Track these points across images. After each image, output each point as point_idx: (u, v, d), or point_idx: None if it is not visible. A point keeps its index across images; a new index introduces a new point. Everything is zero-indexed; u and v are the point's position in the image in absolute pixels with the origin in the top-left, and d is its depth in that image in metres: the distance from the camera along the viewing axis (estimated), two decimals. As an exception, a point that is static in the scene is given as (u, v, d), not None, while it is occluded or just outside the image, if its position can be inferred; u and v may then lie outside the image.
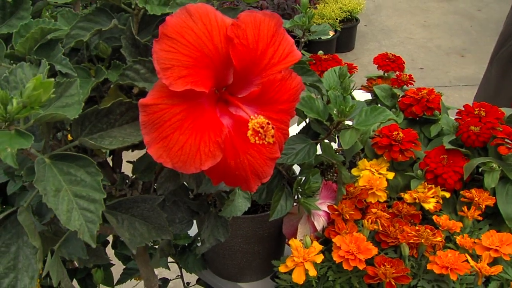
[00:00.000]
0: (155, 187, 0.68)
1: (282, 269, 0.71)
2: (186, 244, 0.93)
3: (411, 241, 0.71)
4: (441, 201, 0.80)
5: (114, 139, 0.47)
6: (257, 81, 0.45)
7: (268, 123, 0.39)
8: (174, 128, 0.41)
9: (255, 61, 0.44)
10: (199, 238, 0.90)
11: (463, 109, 0.88)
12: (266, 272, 0.90)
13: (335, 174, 1.01)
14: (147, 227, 0.57)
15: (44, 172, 0.42)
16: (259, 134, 0.39)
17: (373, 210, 0.76)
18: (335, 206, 0.79)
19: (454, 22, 4.24)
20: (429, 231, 0.71)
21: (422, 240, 0.70)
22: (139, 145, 0.60)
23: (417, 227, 0.73)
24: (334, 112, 0.72)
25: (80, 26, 0.48)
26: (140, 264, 0.74)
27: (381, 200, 0.80)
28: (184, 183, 0.66)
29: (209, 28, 0.42)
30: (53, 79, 0.38)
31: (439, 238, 0.71)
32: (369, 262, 0.70)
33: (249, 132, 0.39)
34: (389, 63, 1.02)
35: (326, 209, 0.79)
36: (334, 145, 0.94)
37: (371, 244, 0.70)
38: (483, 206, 0.76)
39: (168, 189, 0.62)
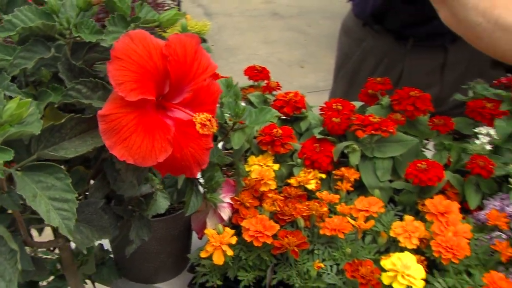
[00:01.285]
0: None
1: (203, 254, 0.81)
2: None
3: (304, 214, 0.86)
4: (319, 182, 0.97)
5: (67, 150, 0.54)
6: (188, 89, 0.56)
7: (212, 117, 0.51)
8: (131, 131, 0.51)
9: (185, 72, 0.55)
10: (113, 245, 0.95)
11: (324, 105, 1.07)
12: (180, 268, 0.98)
13: (225, 175, 1.13)
14: (90, 230, 0.63)
15: (19, 182, 0.48)
16: (207, 126, 0.50)
17: (269, 195, 0.90)
18: (236, 198, 0.91)
19: (291, 37, 4.69)
20: (317, 204, 0.87)
21: (313, 212, 0.86)
22: (70, 161, 0.67)
23: (307, 203, 0.88)
24: (228, 115, 0.85)
25: (22, 56, 0.55)
26: (69, 275, 0.79)
27: (272, 188, 0.95)
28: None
29: (148, 49, 0.52)
30: (30, 99, 0.45)
31: (325, 209, 0.87)
32: (274, 237, 0.84)
33: (198, 126, 0.50)
34: (258, 73, 1.19)
35: (229, 201, 0.91)
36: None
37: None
38: (352, 179, 0.95)
39: (98, 198, 0.69)
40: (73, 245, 0.85)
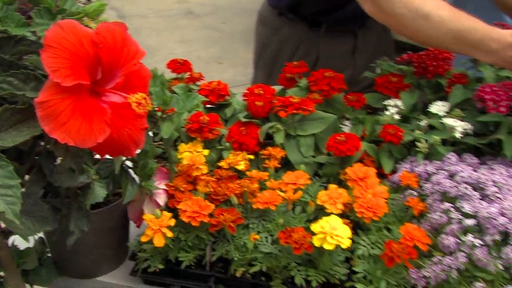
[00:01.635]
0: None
1: (143, 239, 0.84)
2: (35, 259, 0.97)
3: (237, 192, 0.91)
4: (248, 162, 1.02)
5: (4, 141, 0.55)
6: (120, 74, 0.59)
7: (147, 95, 0.54)
8: (68, 116, 0.53)
9: (116, 58, 0.58)
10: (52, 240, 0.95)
11: (247, 91, 1.12)
12: (120, 259, 1.00)
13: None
14: (31, 221, 0.65)
15: (-40, 172, 0.49)
16: (142, 104, 0.54)
17: (202, 177, 0.94)
18: (170, 184, 0.94)
19: (206, 35, 4.72)
20: (248, 181, 0.93)
21: (245, 189, 0.91)
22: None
23: (238, 181, 0.93)
24: (156, 104, 0.88)
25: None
26: (9, 276, 0.78)
27: (204, 172, 0.99)
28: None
29: (78, 37, 0.55)
30: (-33, 89, 0.46)
31: (256, 185, 0.93)
32: (210, 216, 0.88)
33: (133, 105, 0.54)
34: (180, 66, 1.22)
35: (164, 187, 0.94)
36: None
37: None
38: (279, 157, 1.01)
39: (35, 191, 0.70)
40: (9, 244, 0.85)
